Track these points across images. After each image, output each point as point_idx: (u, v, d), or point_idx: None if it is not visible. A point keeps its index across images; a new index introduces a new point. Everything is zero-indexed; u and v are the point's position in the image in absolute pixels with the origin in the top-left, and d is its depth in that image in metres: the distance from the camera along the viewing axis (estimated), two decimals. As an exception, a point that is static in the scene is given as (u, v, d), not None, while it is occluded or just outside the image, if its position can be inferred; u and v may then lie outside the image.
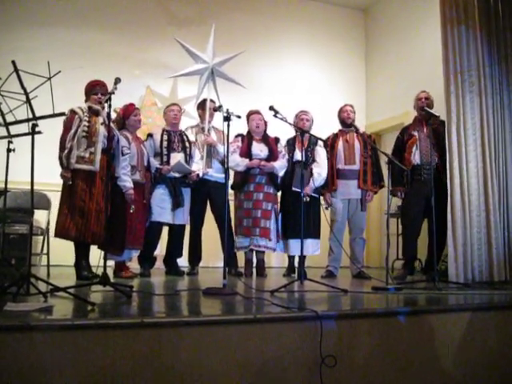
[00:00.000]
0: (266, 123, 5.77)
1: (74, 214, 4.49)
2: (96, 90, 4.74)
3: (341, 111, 6.01)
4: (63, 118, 4.29)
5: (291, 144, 5.88)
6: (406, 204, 5.64)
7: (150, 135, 5.60)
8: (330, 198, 5.84)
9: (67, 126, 4.57)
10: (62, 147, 4.52)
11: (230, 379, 2.44)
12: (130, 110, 5.20)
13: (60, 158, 4.51)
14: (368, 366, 2.81)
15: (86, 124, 4.59)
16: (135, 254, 5.26)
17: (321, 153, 5.80)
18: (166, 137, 5.53)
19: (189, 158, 5.60)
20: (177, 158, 5.44)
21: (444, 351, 3.07)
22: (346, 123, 5.90)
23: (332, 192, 5.82)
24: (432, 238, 5.43)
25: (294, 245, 5.67)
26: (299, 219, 5.46)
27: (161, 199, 5.39)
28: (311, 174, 5.60)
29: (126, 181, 4.88)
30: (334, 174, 5.80)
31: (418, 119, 5.65)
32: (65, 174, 4.50)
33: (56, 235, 4.59)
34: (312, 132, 5.51)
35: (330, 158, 5.83)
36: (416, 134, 5.55)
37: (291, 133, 5.96)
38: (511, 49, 5.41)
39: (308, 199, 5.51)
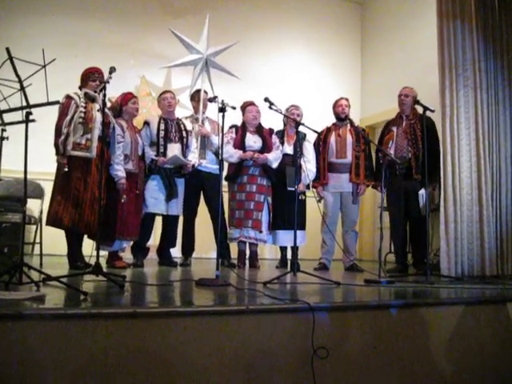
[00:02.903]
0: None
1: (68, 203, 4.45)
2: (95, 77, 4.70)
3: (335, 105, 6.00)
4: (58, 105, 4.24)
5: (280, 137, 5.89)
6: (388, 203, 5.75)
7: (146, 123, 5.53)
8: (321, 191, 5.86)
9: (63, 112, 4.51)
10: (58, 133, 4.46)
11: (222, 370, 2.45)
12: (128, 97, 5.18)
13: (56, 145, 4.45)
14: (360, 358, 2.81)
15: (83, 110, 4.54)
16: (126, 244, 5.24)
17: (309, 147, 5.85)
18: (162, 126, 5.47)
19: (185, 147, 5.57)
20: (174, 150, 5.41)
21: (436, 344, 3.08)
22: (341, 117, 5.90)
23: (323, 185, 5.84)
24: (413, 231, 5.53)
25: (281, 236, 5.75)
26: (286, 211, 5.52)
27: (155, 190, 5.36)
28: (300, 168, 5.61)
29: (119, 170, 4.84)
30: (326, 168, 5.81)
31: (399, 115, 5.73)
32: (61, 161, 4.45)
33: (48, 223, 4.57)
34: (306, 123, 5.53)
35: (322, 151, 5.85)
36: (394, 129, 5.66)
37: (282, 125, 5.99)
38: (507, 44, 5.42)
39: (304, 197, 5.56)
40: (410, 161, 5.46)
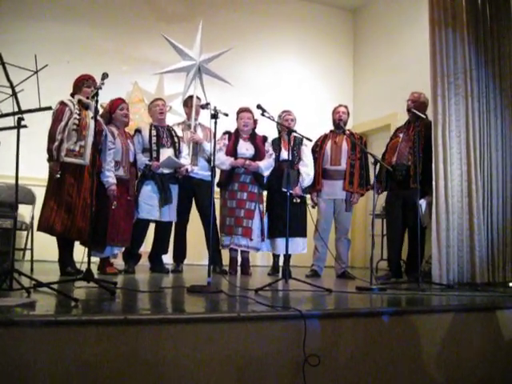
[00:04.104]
0: (255, 121, 5.76)
1: (60, 209, 4.44)
2: (89, 83, 4.69)
3: (334, 112, 6.01)
4: (49, 111, 4.24)
5: (277, 144, 5.88)
6: (387, 209, 5.74)
7: (137, 131, 5.53)
8: (315, 197, 5.87)
9: (58, 118, 4.50)
10: (52, 139, 4.45)
11: (213, 377, 2.44)
12: (116, 104, 5.17)
13: (50, 150, 4.44)
14: (351, 366, 2.81)
15: (77, 117, 4.53)
16: (117, 250, 5.22)
17: (307, 152, 5.82)
18: (154, 132, 5.48)
19: (178, 153, 5.57)
20: (167, 153, 5.41)
21: (426, 351, 3.08)
22: (336, 124, 5.91)
23: (317, 191, 5.85)
24: (411, 240, 5.50)
25: (281, 243, 5.67)
26: (285, 217, 5.49)
27: (149, 196, 5.35)
28: (299, 174, 5.62)
29: (109, 176, 4.85)
30: (320, 174, 5.81)
31: (408, 120, 5.70)
32: (55, 167, 4.43)
33: (39, 229, 4.54)
34: (298, 130, 5.54)
35: (317, 158, 5.85)
36: (401, 135, 5.62)
37: (277, 132, 5.98)
38: (498, 52, 5.45)
39: (298, 200, 5.54)
40: (409, 169, 5.44)
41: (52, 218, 4.43)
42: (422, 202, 5.09)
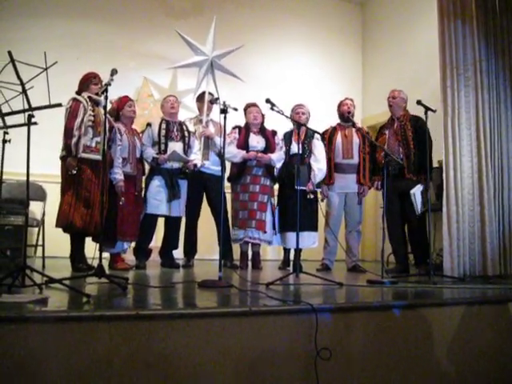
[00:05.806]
0: (263, 116, 5.75)
1: (79, 205, 4.45)
2: (96, 81, 4.70)
3: (341, 104, 6.00)
4: (60, 108, 4.22)
5: (288, 138, 5.86)
6: (384, 203, 5.72)
7: (148, 124, 5.58)
8: (326, 191, 5.85)
9: (73, 114, 4.51)
10: (69, 135, 4.46)
11: (224, 371, 2.45)
12: (124, 101, 5.21)
13: (68, 146, 4.44)
14: (363, 359, 2.81)
15: (92, 113, 4.55)
16: (127, 246, 5.23)
17: (318, 146, 5.78)
18: (164, 125, 5.51)
19: (187, 147, 5.59)
20: (175, 147, 5.43)
21: (438, 344, 3.08)
22: (345, 117, 5.88)
23: (329, 185, 5.83)
24: (410, 232, 5.50)
25: (292, 238, 5.65)
26: (297, 212, 5.47)
27: (157, 191, 5.36)
28: (310, 168, 5.60)
29: (117, 173, 4.88)
30: (332, 168, 5.80)
31: (391, 117, 5.72)
32: (72, 163, 4.43)
33: (58, 225, 4.54)
34: (309, 125, 5.52)
35: (327, 151, 5.83)
36: (386, 131, 5.65)
37: (288, 126, 5.94)
38: (508, 44, 5.42)
39: (312, 196, 5.53)
40: (402, 161, 5.42)
41: (71, 213, 4.44)
42: (416, 191, 5.05)
